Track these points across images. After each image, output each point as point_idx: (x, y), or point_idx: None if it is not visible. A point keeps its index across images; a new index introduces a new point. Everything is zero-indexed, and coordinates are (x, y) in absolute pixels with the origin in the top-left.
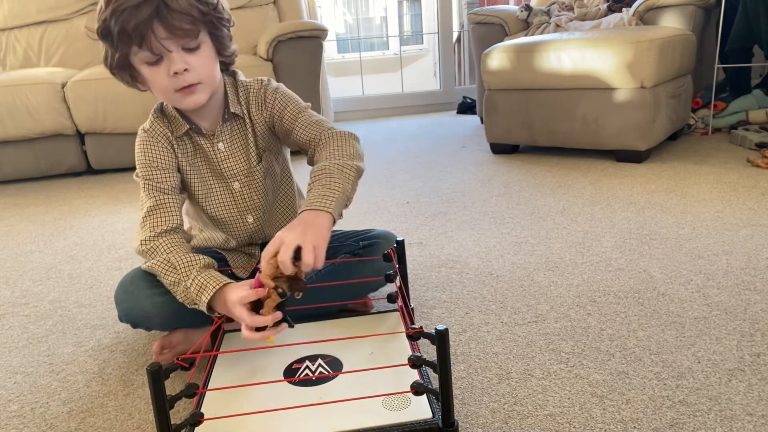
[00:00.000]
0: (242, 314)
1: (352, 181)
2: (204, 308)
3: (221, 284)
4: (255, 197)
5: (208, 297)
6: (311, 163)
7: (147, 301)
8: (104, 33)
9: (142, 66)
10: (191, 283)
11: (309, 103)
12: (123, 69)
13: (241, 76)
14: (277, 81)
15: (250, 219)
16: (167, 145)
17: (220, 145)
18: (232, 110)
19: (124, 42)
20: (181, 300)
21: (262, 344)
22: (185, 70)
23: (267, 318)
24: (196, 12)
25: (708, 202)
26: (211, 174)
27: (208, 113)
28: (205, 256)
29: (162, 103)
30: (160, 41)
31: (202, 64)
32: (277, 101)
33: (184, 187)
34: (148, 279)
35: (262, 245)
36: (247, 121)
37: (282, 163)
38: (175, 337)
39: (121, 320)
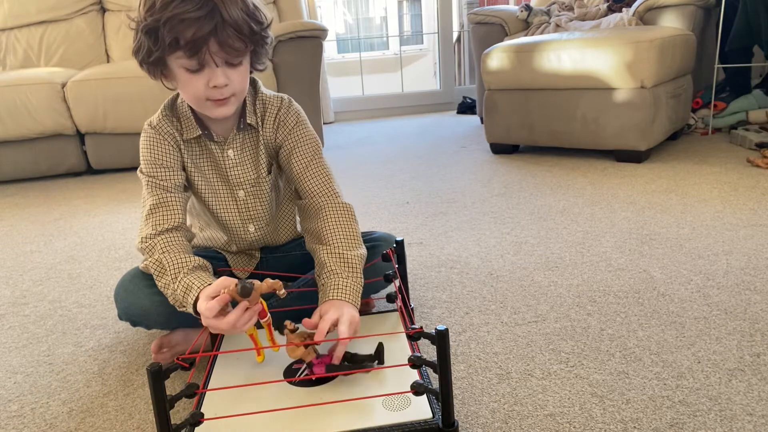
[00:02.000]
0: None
1: (362, 269)
2: (191, 310)
3: (206, 286)
4: (259, 207)
5: (193, 298)
6: (303, 208)
7: (146, 299)
8: (150, 32)
9: (180, 70)
10: (178, 285)
11: (320, 143)
12: (156, 66)
13: (261, 87)
14: (277, 81)
15: (252, 228)
16: (173, 144)
17: (230, 153)
18: (248, 121)
19: (172, 48)
20: (171, 302)
21: (263, 344)
22: (225, 84)
23: (226, 323)
24: (248, 30)
25: (708, 202)
26: (218, 178)
27: (225, 121)
28: (197, 258)
29: (174, 100)
30: (212, 55)
31: (241, 79)
32: (297, 131)
33: (189, 185)
34: (147, 277)
35: (263, 248)
36: (260, 132)
37: (285, 180)
38: (175, 336)
39: (121, 318)
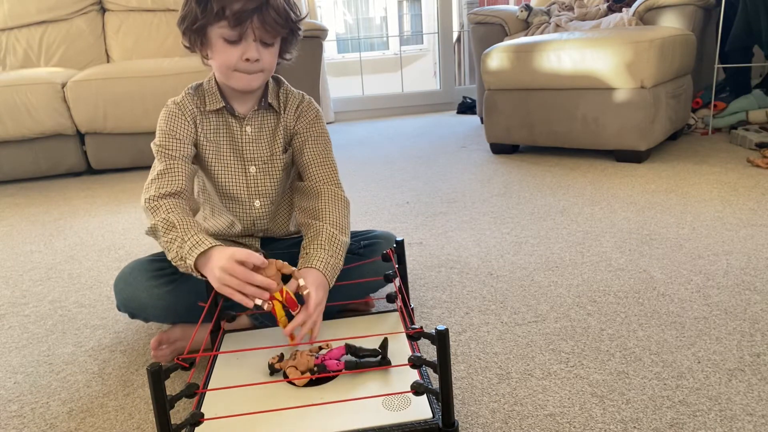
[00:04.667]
0: (234, 267)
1: (343, 258)
2: (191, 263)
3: (216, 245)
4: (268, 183)
5: (201, 251)
6: (302, 190)
7: (145, 292)
8: (200, 1)
9: (219, 40)
10: (188, 239)
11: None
12: (198, 34)
13: (285, 82)
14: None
15: (257, 203)
16: (190, 120)
17: (248, 129)
18: (269, 101)
19: (218, 17)
20: (171, 258)
21: (263, 344)
22: (257, 59)
23: (258, 279)
24: (285, 16)
25: (708, 202)
26: (232, 152)
27: (248, 98)
28: (201, 224)
29: (199, 84)
30: (253, 29)
31: (270, 59)
32: (316, 126)
33: (199, 162)
34: (147, 270)
35: (263, 239)
36: (282, 116)
37: (295, 171)
38: (174, 333)
39: (120, 309)
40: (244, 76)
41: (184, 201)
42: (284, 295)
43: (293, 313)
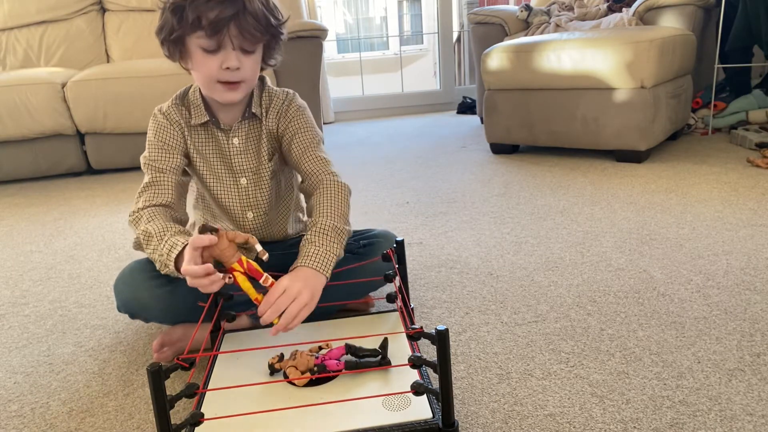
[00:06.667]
0: (186, 269)
1: (342, 245)
2: (172, 268)
3: (188, 243)
4: (259, 195)
5: (175, 254)
6: (304, 191)
7: (145, 292)
8: (176, 11)
9: (197, 50)
10: (164, 245)
11: (322, 136)
12: (176, 44)
13: (268, 82)
14: (277, 81)
15: (250, 215)
16: (179, 130)
17: (235, 141)
18: (253, 110)
19: (194, 27)
20: (159, 267)
21: (263, 344)
22: (237, 68)
23: (197, 269)
24: (265, 22)
25: (708, 202)
26: (222, 165)
27: (232, 108)
28: (181, 227)
29: (186, 92)
30: (230, 38)
31: (252, 67)
32: (298, 120)
33: (194, 172)
34: (146, 270)
35: (261, 243)
36: (264, 122)
37: (287, 174)
38: (175, 333)
39: (120, 310)
40: (226, 90)
41: (168, 210)
42: (245, 266)
43: (261, 282)
